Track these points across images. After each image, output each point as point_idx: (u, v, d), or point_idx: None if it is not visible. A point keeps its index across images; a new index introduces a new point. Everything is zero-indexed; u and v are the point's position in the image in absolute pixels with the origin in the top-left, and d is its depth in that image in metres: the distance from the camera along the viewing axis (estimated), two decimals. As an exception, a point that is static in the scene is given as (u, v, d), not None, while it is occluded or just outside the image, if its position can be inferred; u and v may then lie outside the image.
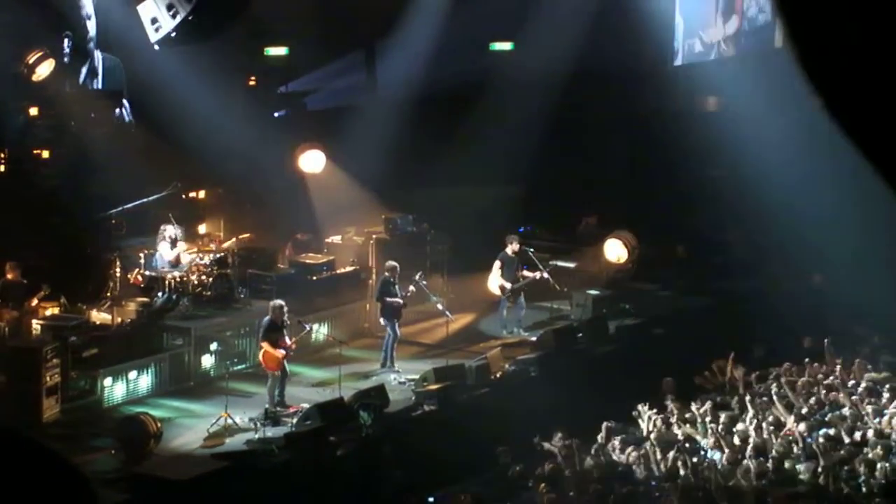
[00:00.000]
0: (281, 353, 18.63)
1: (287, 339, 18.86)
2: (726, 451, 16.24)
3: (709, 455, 16.46)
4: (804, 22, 2.36)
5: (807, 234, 23.16)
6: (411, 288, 21.14)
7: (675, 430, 17.72)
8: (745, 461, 15.91)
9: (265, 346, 18.73)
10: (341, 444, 17.46)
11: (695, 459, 16.17)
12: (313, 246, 24.31)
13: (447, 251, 24.62)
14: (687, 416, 18.17)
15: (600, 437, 17.57)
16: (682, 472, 15.75)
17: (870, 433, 16.76)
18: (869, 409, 17.79)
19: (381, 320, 20.94)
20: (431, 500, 16.56)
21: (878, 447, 16.03)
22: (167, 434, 17.38)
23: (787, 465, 15.74)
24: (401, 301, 20.83)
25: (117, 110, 25.18)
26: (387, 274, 21.15)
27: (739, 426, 17.32)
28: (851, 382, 19.36)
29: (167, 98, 24.55)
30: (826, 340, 20.68)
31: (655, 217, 26.39)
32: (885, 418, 17.36)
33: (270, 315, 18.94)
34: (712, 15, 28.68)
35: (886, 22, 2.33)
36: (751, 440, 16.54)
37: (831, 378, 19.60)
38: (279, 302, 19.15)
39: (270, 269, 22.81)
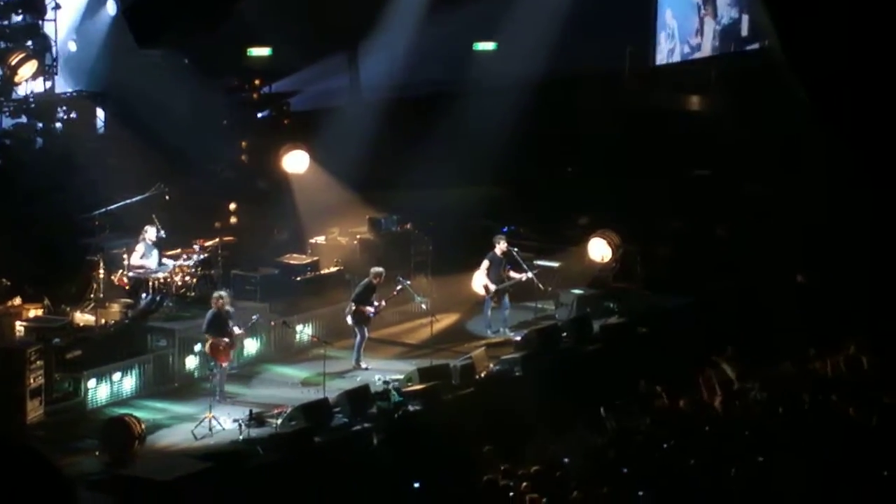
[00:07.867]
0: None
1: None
2: None
3: None
4: (796, 26, 2.37)
5: (791, 232, 23.19)
6: (398, 287, 21.16)
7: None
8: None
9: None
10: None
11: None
12: (293, 244, 24.26)
13: (431, 251, 24.60)
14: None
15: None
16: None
17: None
18: None
19: (350, 320, 20.86)
20: (417, 485, 16.45)
21: None
22: (151, 435, 17.39)
23: None
24: (373, 311, 20.81)
25: (99, 111, 25.17)
26: (374, 281, 21.06)
27: None
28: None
29: (150, 99, 24.51)
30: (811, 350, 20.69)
31: (639, 216, 26.39)
32: None
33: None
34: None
35: (876, 26, 2.34)
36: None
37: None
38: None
39: (254, 269, 22.77)
